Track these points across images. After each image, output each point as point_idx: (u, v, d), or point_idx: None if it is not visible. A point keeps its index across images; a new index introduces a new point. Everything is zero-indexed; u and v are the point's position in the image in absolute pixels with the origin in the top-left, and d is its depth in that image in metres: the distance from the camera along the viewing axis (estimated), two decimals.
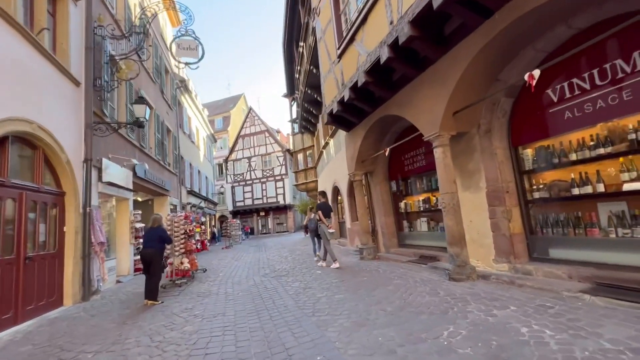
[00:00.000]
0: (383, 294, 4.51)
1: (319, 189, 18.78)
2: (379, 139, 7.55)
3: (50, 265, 5.46)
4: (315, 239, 8.12)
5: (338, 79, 7.11)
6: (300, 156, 21.30)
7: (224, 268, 9.16)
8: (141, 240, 9.71)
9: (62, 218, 5.94)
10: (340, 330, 3.28)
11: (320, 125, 15.62)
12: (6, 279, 4.48)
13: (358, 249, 9.54)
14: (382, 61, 5.00)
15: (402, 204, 7.73)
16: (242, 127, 34.57)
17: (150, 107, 7.40)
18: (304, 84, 13.22)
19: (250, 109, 35.12)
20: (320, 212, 7.41)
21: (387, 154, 6.63)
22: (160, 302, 5.36)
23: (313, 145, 19.81)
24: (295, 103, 20.50)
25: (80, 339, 3.79)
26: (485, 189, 4.78)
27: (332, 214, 7.51)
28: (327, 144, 13.72)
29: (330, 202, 14.54)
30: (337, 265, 6.95)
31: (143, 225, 9.66)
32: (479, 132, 4.84)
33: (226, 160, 34.46)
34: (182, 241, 7.22)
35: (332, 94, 7.64)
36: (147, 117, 7.22)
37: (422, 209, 7.03)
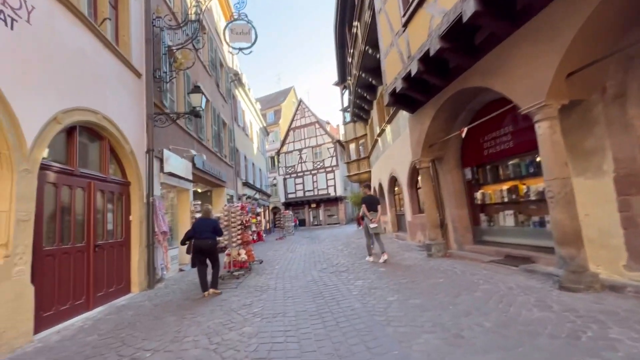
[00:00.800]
0: (470, 302, 3.70)
1: (373, 180, 17.92)
2: (451, 119, 6.54)
3: (118, 253, 5.60)
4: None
5: (403, 51, 6.24)
6: (352, 146, 20.56)
7: (279, 260, 8.94)
8: None
9: (128, 207, 6.08)
10: (429, 350, 2.60)
11: (374, 112, 14.71)
12: (78, 266, 4.59)
13: (423, 245, 8.64)
14: (465, 18, 4.07)
15: (478, 195, 6.65)
16: (292, 120, 34.78)
17: (206, 97, 7.25)
18: (357, 67, 12.42)
19: (300, 101, 35.14)
20: (364, 205, 7.00)
21: (463, 134, 5.64)
22: (220, 292, 5.33)
23: (366, 135, 18.93)
24: (347, 91, 19.76)
25: (141, 332, 3.65)
26: (612, 173, 3.64)
27: (379, 207, 7.01)
28: (382, 131, 12.81)
29: (386, 194, 13.69)
30: (370, 259, 6.99)
31: (220, 215, 9.85)
32: (604, 99, 3.69)
33: (278, 153, 35.06)
34: (239, 232, 7.06)
35: (394, 71, 6.79)
36: (203, 106, 7.14)
37: (506, 199, 5.92)
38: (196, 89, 7.07)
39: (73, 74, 4.63)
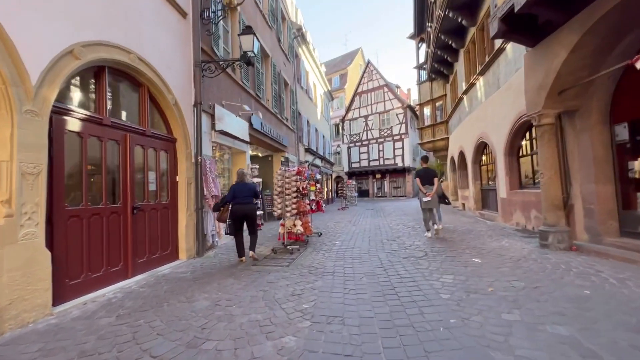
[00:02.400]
0: None
1: (450, 148, 15.45)
2: (603, 49, 4.30)
3: (162, 216, 5.05)
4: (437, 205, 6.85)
5: None
6: (426, 110, 17.95)
7: (340, 234, 7.86)
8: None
9: (174, 167, 5.46)
10: None
11: (459, 65, 12.09)
12: (113, 230, 4.05)
13: (525, 230, 6.65)
14: None
15: (637, 164, 4.44)
16: (359, 84, 32.41)
17: (259, 41, 6.10)
18: (443, 6, 9.95)
19: (367, 63, 32.33)
20: (418, 179, 6.75)
21: (638, 65, 3.49)
22: (257, 258, 5.17)
23: (445, 95, 16.19)
24: (425, 43, 16.93)
25: (161, 322, 2.86)
26: None
27: (435, 179, 6.62)
28: (471, 86, 10.35)
29: (469, 164, 11.41)
30: (429, 235, 6.75)
31: (260, 180, 9.20)
32: None
33: (342, 120, 33.45)
34: (295, 200, 6.07)
35: None
36: (255, 50, 6.02)
37: None
38: (247, 30, 5.94)
39: (97, 1, 3.80)
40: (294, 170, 6.16)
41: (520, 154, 7.66)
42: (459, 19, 9.89)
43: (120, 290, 3.80)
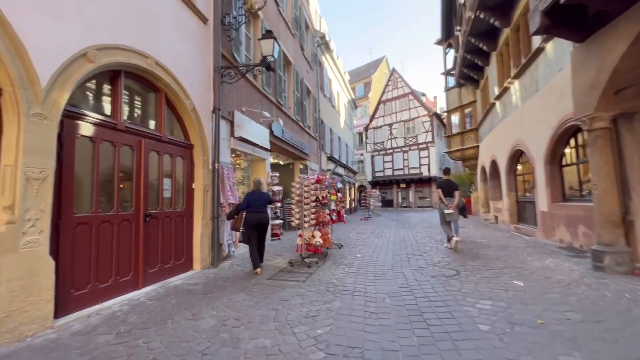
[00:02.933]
0: None
1: (481, 157, 14.60)
2: None
3: (176, 225, 4.89)
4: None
5: None
6: (454, 117, 17.16)
7: (362, 246, 7.42)
8: (278, 205, 9.13)
9: (190, 174, 5.32)
10: None
11: (491, 69, 11.42)
12: (124, 238, 3.90)
13: (571, 248, 5.91)
14: None
15: None
16: (383, 92, 31.94)
17: (279, 45, 5.92)
18: (473, 7, 9.43)
19: (392, 71, 31.85)
20: (440, 190, 6.75)
21: None
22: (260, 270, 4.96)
23: (474, 101, 15.42)
24: (453, 48, 16.30)
25: (161, 344, 2.60)
26: None
27: (456, 192, 6.64)
28: (505, 90, 9.68)
29: (502, 174, 10.60)
30: (449, 245, 6.59)
31: (281, 188, 8.99)
32: None
33: (366, 129, 32.99)
34: (314, 210, 5.74)
35: None
36: (275, 55, 5.85)
37: None
38: (268, 34, 5.79)
39: (113, 3, 3.75)
40: (313, 179, 5.86)
41: (564, 162, 6.92)
42: (491, 20, 9.31)
43: (128, 302, 3.62)
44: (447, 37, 16.84)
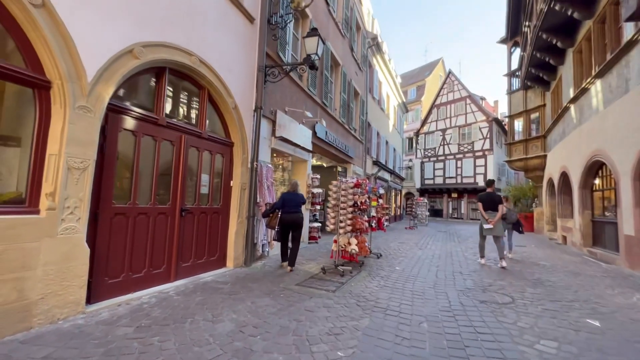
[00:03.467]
0: None
1: (548, 167, 12.95)
2: None
3: (212, 221, 4.93)
4: (508, 232, 7.28)
5: None
6: (518, 122, 15.50)
7: (402, 258, 6.89)
8: (318, 207, 8.96)
9: (229, 171, 5.35)
10: None
11: (566, 69, 10.04)
12: (159, 231, 3.99)
13: None
14: None
15: None
16: (437, 95, 30.27)
17: (324, 42, 5.74)
18: None
19: (449, 73, 30.04)
20: (480, 204, 6.44)
21: None
22: (292, 269, 5.23)
23: (543, 105, 13.76)
24: (520, 47, 14.78)
25: (177, 342, 2.52)
26: None
27: (500, 206, 6.25)
28: (583, 91, 8.38)
29: (575, 188, 9.19)
30: (482, 262, 6.41)
31: (321, 191, 8.81)
32: None
33: (417, 133, 31.54)
34: (350, 216, 5.42)
35: None
36: (319, 53, 5.67)
37: None
38: (312, 32, 5.64)
39: (162, 1, 3.86)
40: (352, 182, 5.54)
41: None
42: (569, 12, 8.15)
43: (157, 295, 3.66)
44: (513, 35, 15.34)
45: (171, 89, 4.30)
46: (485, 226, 6.20)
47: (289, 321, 3.07)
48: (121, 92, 3.54)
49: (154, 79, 4.01)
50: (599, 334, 2.98)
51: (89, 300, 3.16)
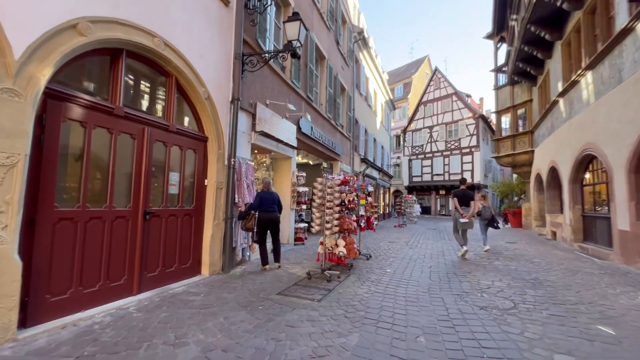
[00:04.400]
0: None
1: (536, 163, 12.90)
2: None
3: (184, 224, 4.42)
4: (483, 227, 7.81)
5: None
6: (505, 118, 15.46)
7: (393, 259, 6.53)
8: (304, 207, 8.54)
9: (203, 169, 4.85)
10: None
11: (554, 62, 9.92)
12: (118, 237, 3.46)
13: None
14: None
15: None
16: (424, 92, 30.24)
17: (306, 28, 5.29)
18: None
19: (435, 70, 30.04)
20: (456, 199, 6.98)
21: None
22: (279, 265, 5.33)
23: (530, 100, 13.73)
24: (506, 42, 14.70)
25: None
26: None
27: (472, 202, 6.86)
28: (573, 84, 8.20)
29: (564, 183, 9.04)
30: (462, 251, 6.68)
31: (307, 189, 8.37)
32: None
33: (404, 131, 31.47)
34: (337, 216, 5.00)
35: None
36: (301, 39, 5.22)
37: None
38: (293, 16, 5.18)
39: None
40: (338, 180, 5.12)
41: None
42: (558, 3, 7.96)
43: (114, 312, 3.14)
44: (499, 30, 15.26)
45: (131, 76, 3.78)
46: (461, 220, 6.72)
47: (266, 341, 2.62)
48: (64, 75, 3.00)
49: (109, 63, 3.47)
50: (616, 343, 2.65)
51: (25, 324, 2.63)
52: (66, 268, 2.97)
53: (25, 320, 2.64)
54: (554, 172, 10.38)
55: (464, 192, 7.05)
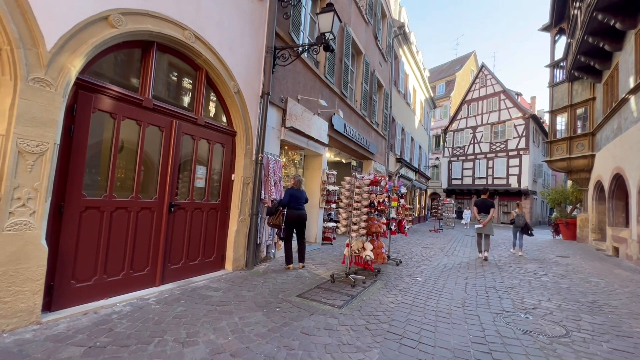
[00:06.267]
0: None
1: (596, 168, 11.51)
2: None
3: (209, 218, 4.42)
4: (518, 234, 8.46)
5: None
6: (561, 118, 13.98)
7: (425, 266, 6.10)
8: (333, 206, 8.34)
9: (231, 163, 4.82)
10: None
11: (624, 55, 8.68)
12: (142, 228, 3.51)
13: None
14: None
15: None
16: (468, 90, 28.50)
17: (340, 20, 5.06)
18: None
19: (481, 67, 28.15)
20: (475, 207, 7.49)
21: None
22: (303, 265, 5.20)
23: (593, 98, 12.25)
24: (565, 35, 13.27)
25: None
26: None
27: (492, 209, 7.23)
28: None
29: (633, 193, 7.89)
30: (481, 256, 7.18)
31: (336, 188, 8.15)
32: None
33: (445, 131, 29.95)
34: (365, 217, 4.72)
35: None
36: (334, 31, 4.99)
37: None
38: (327, 7, 4.97)
39: None
40: (368, 179, 4.83)
41: None
42: None
43: (134, 303, 3.18)
44: (558, 21, 13.82)
45: (162, 68, 3.80)
46: (477, 226, 7.34)
47: (278, 348, 2.45)
48: (95, 66, 3.06)
49: (140, 55, 3.51)
50: None
51: (50, 307, 2.72)
52: (91, 256, 3.04)
53: (51, 304, 2.73)
54: (619, 179, 9.15)
55: (483, 201, 7.57)
